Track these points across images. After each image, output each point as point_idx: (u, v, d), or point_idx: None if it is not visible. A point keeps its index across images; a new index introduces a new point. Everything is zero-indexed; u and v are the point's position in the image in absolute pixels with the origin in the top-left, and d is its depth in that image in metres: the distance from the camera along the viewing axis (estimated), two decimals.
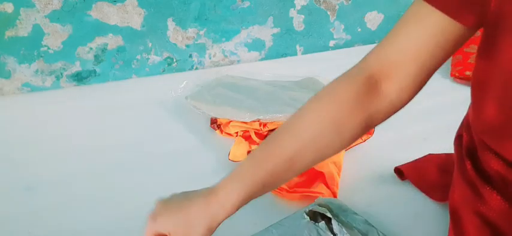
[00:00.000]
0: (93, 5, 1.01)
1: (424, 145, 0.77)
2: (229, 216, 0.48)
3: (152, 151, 0.83)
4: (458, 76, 1.11)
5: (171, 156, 0.82)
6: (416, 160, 0.74)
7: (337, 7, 1.28)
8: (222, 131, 0.89)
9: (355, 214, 0.64)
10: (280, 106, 0.90)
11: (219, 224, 0.48)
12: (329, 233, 0.59)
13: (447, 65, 1.15)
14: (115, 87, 1.10)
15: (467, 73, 1.10)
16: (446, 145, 0.67)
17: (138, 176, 0.76)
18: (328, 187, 0.70)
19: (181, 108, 0.98)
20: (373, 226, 0.62)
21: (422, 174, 0.72)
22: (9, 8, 0.95)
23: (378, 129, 0.87)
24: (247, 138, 0.85)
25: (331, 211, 0.62)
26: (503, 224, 0.53)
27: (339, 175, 0.73)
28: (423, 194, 0.71)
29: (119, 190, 0.73)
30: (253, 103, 0.92)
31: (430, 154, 0.75)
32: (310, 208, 0.63)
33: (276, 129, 0.49)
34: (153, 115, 0.96)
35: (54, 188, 0.73)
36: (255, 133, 0.86)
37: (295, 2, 1.22)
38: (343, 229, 0.59)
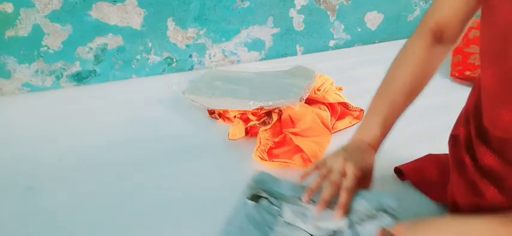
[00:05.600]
0: (93, 5, 1.01)
1: (424, 145, 0.77)
2: (379, 145, 0.66)
3: (153, 150, 0.83)
4: (458, 76, 1.11)
5: (174, 152, 0.82)
6: (416, 160, 0.74)
7: (337, 7, 1.28)
8: (224, 118, 0.92)
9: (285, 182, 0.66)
10: (281, 92, 0.92)
11: (378, 149, 0.66)
12: (273, 207, 0.62)
13: (447, 65, 1.15)
14: (115, 87, 1.10)
15: (467, 73, 1.10)
16: (446, 145, 0.67)
17: (138, 175, 0.76)
18: (307, 160, 0.77)
19: (181, 105, 0.98)
20: (302, 185, 0.64)
21: (422, 174, 0.72)
22: (9, 8, 0.95)
23: None
24: (245, 119, 0.89)
25: (266, 190, 0.64)
26: None
27: (321, 153, 0.80)
28: (423, 194, 0.71)
29: (119, 190, 0.73)
30: (253, 92, 0.93)
31: (430, 154, 0.75)
32: (249, 193, 0.63)
33: (376, 93, 0.67)
34: (153, 115, 0.96)
35: (54, 188, 0.73)
36: (252, 113, 0.89)
37: (295, 2, 1.22)
38: (283, 203, 0.62)
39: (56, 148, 0.84)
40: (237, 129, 0.86)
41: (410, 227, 0.50)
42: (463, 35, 0.65)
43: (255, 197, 0.63)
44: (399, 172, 0.74)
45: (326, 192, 0.58)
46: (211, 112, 0.94)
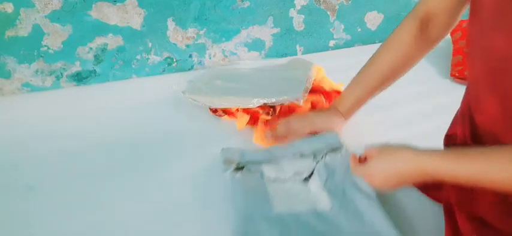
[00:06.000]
0: (93, 5, 1.01)
1: (423, 145, 0.77)
2: (349, 115, 0.79)
3: (154, 150, 0.83)
4: (458, 77, 1.11)
5: (174, 152, 0.82)
6: None
7: (337, 7, 1.28)
8: (229, 114, 0.93)
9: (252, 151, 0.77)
10: (282, 87, 0.93)
11: (345, 119, 0.79)
12: (255, 172, 0.73)
13: (447, 65, 1.15)
14: (115, 87, 1.10)
15: (467, 73, 1.10)
16: None
17: (138, 175, 0.77)
18: None
19: (181, 105, 0.98)
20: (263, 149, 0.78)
21: None
22: (9, 8, 0.95)
23: (378, 129, 0.88)
24: (248, 111, 0.91)
25: (241, 162, 0.74)
26: (492, 218, 0.54)
27: None
28: (422, 194, 0.71)
29: (119, 190, 0.73)
30: (254, 89, 0.94)
31: None
32: (231, 167, 0.73)
33: (362, 69, 0.77)
34: (153, 115, 0.96)
35: (54, 188, 0.73)
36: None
37: (295, 2, 1.22)
38: (261, 166, 0.74)
39: (55, 148, 0.84)
40: (243, 120, 0.89)
41: (384, 150, 0.58)
42: (450, 31, 0.68)
43: (238, 169, 0.73)
44: None
45: (280, 130, 0.78)
46: (214, 110, 0.94)
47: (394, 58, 0.72)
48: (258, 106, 0.89)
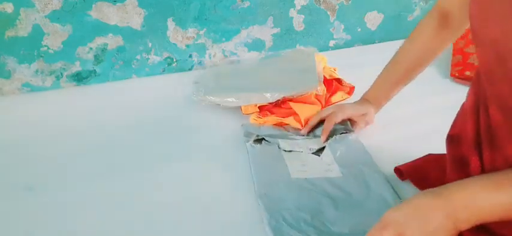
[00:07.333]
0: (93, 5, 1.02)
1: (424, 145, 0.77)
2: (379, 105, 0.86)
3: (154, 151, 0.83)
4: (458, 76, 1.11)
5: (174, 153, 0.82)
6: (416, 160, 0.74)
7: (337, 7, 1.28)
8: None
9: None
10: (295, 79, 0.95)
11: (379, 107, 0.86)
12: (272, 144, 0.82)
13: (447, 65, 1.15)
14: (115, 87, 1.10)
15: (467, 73, 1.10)
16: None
17: (138, 175, 0.76)
18: (299, 121, 0.89)
19: (181, 105, 0.98)
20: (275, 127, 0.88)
21: (422, 174, 0.72)
22: (9, 8, 0.95)
23: (378, 129, 0.88)
24: (264, 107, 0.94)
25: (260, 135, 0.83)
26: (494, 224, 0.53)
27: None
28: None
29: (119, 190, 0.73)
30: (263, 84, 0.96)
31: (430, 154, 0.75)
32: (252, 139, 0.81)
33: (389, 62, 0.82)
34: (153, 115, 0.96)
35: (54, 188, 0.73)
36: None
37: (295, 2, 1.22)
38: (277, 139, 0.83)
39: (55, 148, 0.84)
40: (249, 105, 0.92)
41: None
42: (468, 24, 0.67)
43: (257, 141, 0.82)
44: (399, 172, 0.74)
45: (313, 121, 0.86)
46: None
47: (417, 52, 0.76)
48: (276, 101, 0.91)
